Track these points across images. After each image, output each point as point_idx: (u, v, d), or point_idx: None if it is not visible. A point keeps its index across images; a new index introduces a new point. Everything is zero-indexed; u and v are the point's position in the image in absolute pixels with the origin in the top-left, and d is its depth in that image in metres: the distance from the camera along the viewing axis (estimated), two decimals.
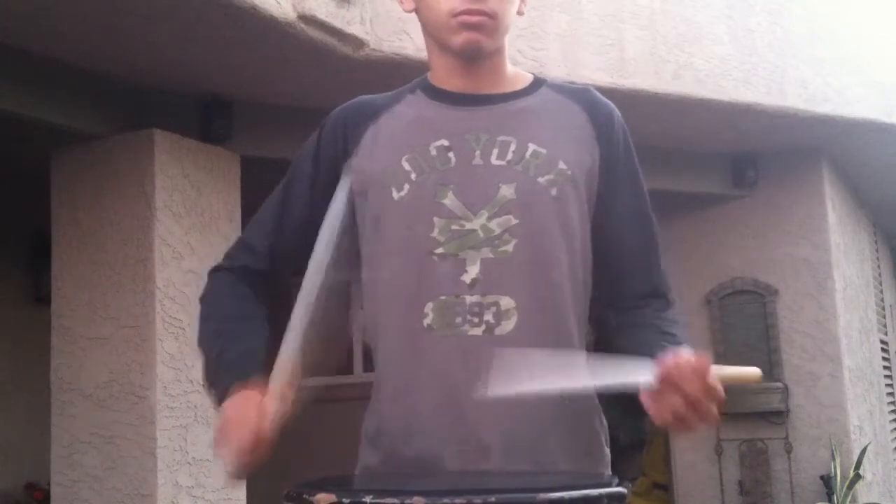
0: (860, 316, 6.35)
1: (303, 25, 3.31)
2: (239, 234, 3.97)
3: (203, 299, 1.44)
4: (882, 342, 7.32)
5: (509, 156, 1.33)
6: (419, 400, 1.29)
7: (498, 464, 1.25)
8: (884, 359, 7.28)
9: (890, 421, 7.15)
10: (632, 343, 1.34)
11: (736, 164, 5.63)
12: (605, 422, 1.40)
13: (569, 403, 1.31)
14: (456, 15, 1.32)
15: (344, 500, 0.96)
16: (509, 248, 1.29)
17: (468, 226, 1.30)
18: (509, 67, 1.43)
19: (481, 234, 1.30)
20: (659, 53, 4.50)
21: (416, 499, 0.92)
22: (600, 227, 1.38)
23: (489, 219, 1.30)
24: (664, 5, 4.58)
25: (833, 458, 5.33)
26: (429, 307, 1.29)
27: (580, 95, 1.42)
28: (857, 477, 5.32)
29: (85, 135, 3.77)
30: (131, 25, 3.23)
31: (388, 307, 1.33)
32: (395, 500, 0.93)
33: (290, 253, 1.42)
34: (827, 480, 5.33)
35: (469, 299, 1.28)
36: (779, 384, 5.57)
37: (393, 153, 1.35)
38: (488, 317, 1.27)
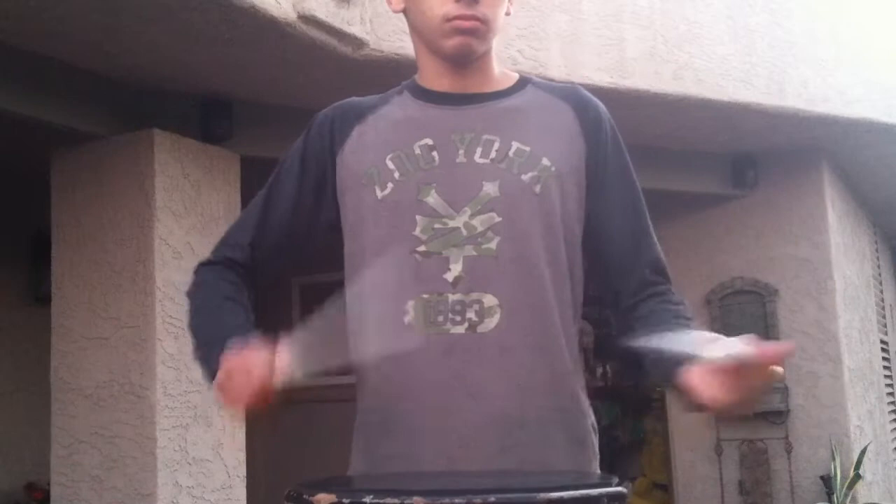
0: (860, 316, 6.35)
1: (302, 25, 3.31)
2: None
3: (190, 293, 1.45)
4: (882, 342, 7.32)
5: (493, 154, 1.34)
6: (400, 399, 1.29)
7: (480, 463, 1.25)
8: (884, 359, 7.29)
9: (890, 421, 7.15)
10: (650, 329, 1.31)
11: (736, 164, 5.63)
12: (594, 422, 1.39)
13: (557, 402, 1.31)
14: (450, 20, 1.33)
15: (344, 499, 0.96)
16: (492, 245, 1.29)
17: (451, 224, 1.30)
18: (496, 67, 1.44)
19: (464, 231, 1.30)
20: (659, 53, 4.50)
21: (416, 499, 0.92)
22: (591, 225, 1.38)
23: (472, 216, 1.30)
24: (664, 5, 4.58)
25: (833, 458, 5.33)
26: (410, 305, 1.29)
27: (566, 93, 1.42)
28: (857, 477, 5.33)
29: (85, 135, 3.77)
30: (131, 25, 3.24)
31: (370, 305, 1.34)
32: (396, 500, 0.93)
33: (271, 251, 1.45)
34: (827, 480, 5.34)
35: (452, 297, 1.28)
36: (779, 384, 5.57)
37: (378, 152, 1.36)
38: (471, 314, 1.27)
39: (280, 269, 1.50)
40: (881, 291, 7.73)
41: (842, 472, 5.29)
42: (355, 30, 3.47)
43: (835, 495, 5.23)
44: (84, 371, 3.77)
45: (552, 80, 4.17)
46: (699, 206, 5.84)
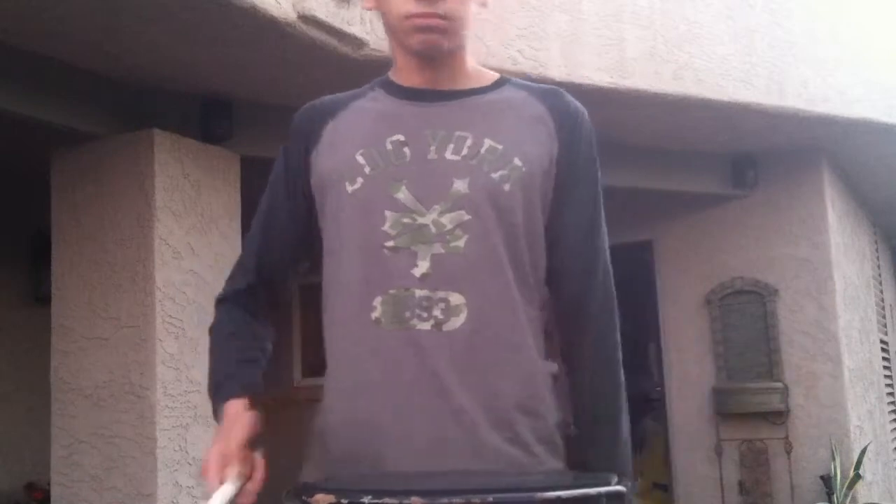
0: (860, 316, 6.35)
1: (302, 25, 3.31)
2: (239, 234, 3.99)
3: (210, 330, 1.47)
4: (882, 342, 7.32)
5: (464, 151, 1.32)
6: (367, 396, 1.28)
7: (447, 463, 1.24)
8: (884, 359, 7.29)
9: (890, 421, 7.15)
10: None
11: (736, 164, 5.63)
12: (563, 420, 1.36)
13: (524, 401, 1.30)
14: (409, 18, 1.33)
15: (342, 500, 0.96)
16: (460, 243, 1.28)
17: (420, 220, 1.29)
18: (471, 65, 1.43)
19: (433, 228, 1.29)
20: (659, 53, 4.50)
21: (414, 499, 0.92)
22: (547, 228, 1.36)
23: (441, 213, 1.29)
24: (664, 5, 4.58)
25: (833, 458, 5.33)
26: (377, 301, 1.28)
27: (545, 94, 1.40)
28: (857, 477, 5.33)
29: (85, 135, 3.77)
30: (131, 25, 3.24)
31: (338, 300, 1.34)
32: (394, 500, 0.93)
33: (280, 266, 1.47)
34: (827, 480, 5.34)
35: (419, 293, 1.27)
36: (779, 384, 5.57)
37: (349, 148, 1.36)
38: (437, 312, 1.26)
39: (297, 273, 1.51)
40: (881, 291, 7.73)
41: (842, 472, 5.29)
42: (355, 30, 3.47)
43: (835, 495, 5.23)
44: (84, 371, 3.76)
45: (552, 80, 4.17)
46: (699, 206, 5.84)
